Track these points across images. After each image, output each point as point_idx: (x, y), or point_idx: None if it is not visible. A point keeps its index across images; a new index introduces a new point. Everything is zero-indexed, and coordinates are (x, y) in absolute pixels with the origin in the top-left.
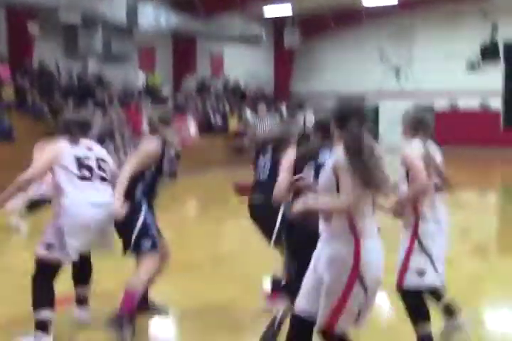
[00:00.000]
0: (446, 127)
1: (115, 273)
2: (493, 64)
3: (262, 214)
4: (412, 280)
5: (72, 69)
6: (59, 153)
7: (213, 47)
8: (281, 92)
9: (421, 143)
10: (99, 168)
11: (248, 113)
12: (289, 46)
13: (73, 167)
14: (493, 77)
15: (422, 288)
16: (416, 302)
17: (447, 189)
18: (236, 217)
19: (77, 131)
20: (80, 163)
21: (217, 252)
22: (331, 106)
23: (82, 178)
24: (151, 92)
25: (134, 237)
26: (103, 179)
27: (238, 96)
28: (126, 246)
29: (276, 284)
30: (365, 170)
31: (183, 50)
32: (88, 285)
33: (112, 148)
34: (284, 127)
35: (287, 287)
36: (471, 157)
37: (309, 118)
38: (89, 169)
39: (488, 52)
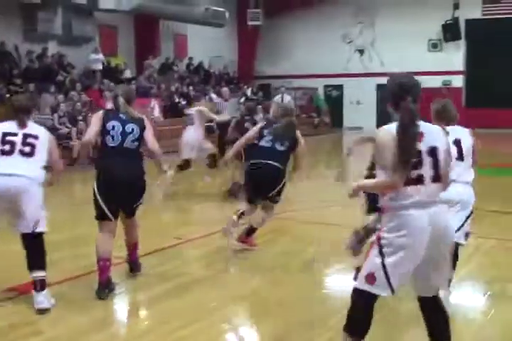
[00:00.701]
0: None
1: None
2: (454, 43)
3: (275, 176)
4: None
5: (32, 52)
6: None
7: (177, 28)
8: (245, 74)
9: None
10: (24, 143)
11: (213, 95)
12: (253, 24)
13: None
14: (455, 56)
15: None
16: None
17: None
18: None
19: (19, 113)
20: (4, 139)
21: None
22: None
23: (2, 152)
24: (113, 75)
25: (140, 201)
26: (24, 154)
27: (202, 79)
28: (130, 209)
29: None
30: (406, 148)
31: (146, 32)
32: (40, 270)
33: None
34: (283, 106)
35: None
36: None
37: (286, 100)
38: (12, 144)
39: (450, 32)
